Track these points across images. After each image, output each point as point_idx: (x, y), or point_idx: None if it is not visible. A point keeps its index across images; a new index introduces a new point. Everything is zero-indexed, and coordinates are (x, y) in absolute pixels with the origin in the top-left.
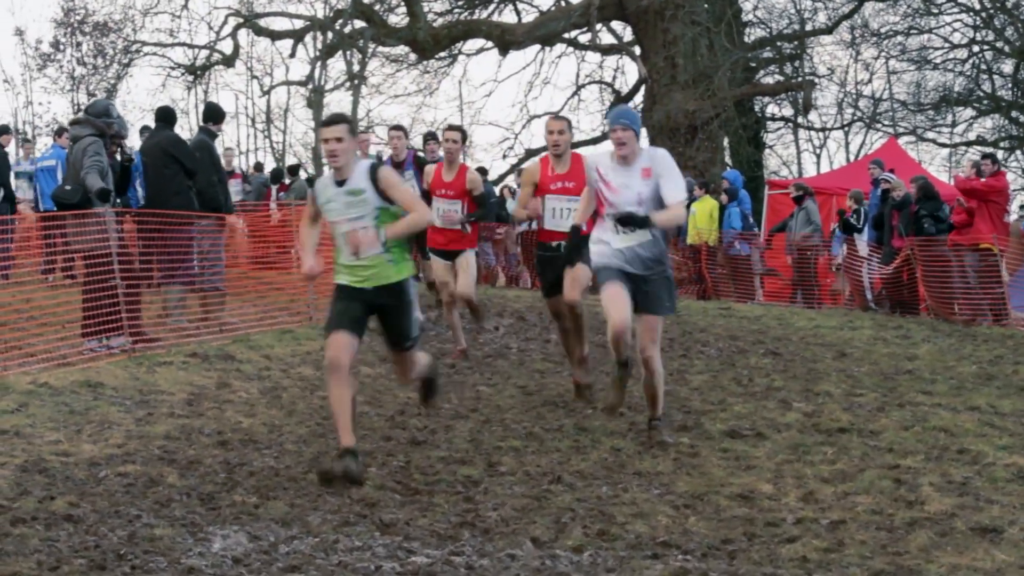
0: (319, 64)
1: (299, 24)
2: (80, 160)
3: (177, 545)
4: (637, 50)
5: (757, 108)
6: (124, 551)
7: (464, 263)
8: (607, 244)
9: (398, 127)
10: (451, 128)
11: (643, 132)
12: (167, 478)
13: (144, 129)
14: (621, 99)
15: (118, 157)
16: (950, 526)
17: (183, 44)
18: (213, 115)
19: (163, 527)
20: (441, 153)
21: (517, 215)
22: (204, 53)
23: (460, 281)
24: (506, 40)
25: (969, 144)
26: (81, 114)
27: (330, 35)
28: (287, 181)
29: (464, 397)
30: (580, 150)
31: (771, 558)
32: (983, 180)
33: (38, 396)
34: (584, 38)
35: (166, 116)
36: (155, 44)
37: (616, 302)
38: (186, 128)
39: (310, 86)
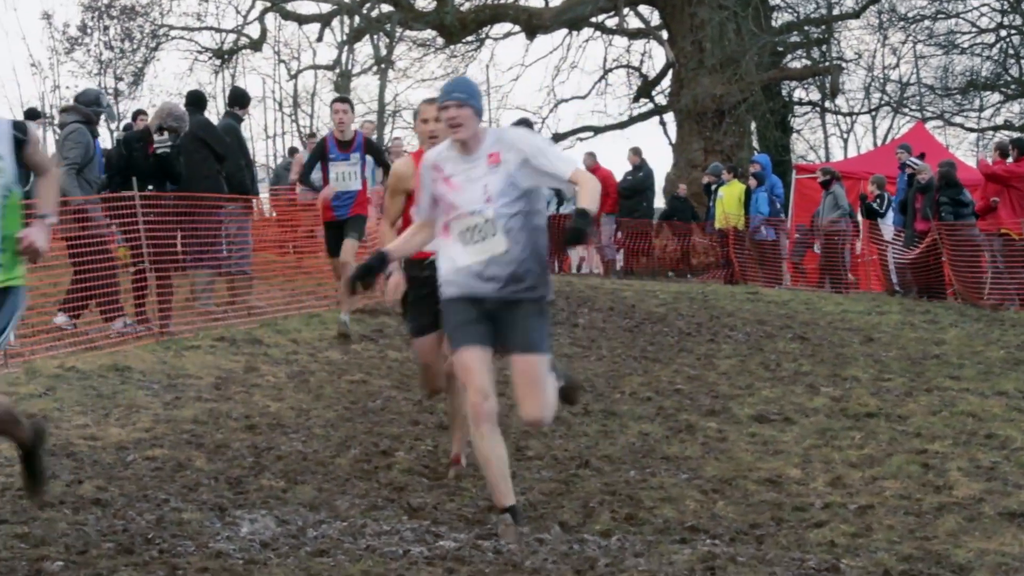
0: (346, 48)
1: (326, 8)
2: (62, 147)
3: (205, 529)
4: (664, 34)
5: (784, 92)
6: (152, 535)
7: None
8: (453, 261)
9: (343, 99)
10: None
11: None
12: (195, 462)
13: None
14: (649, 83)
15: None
16: (978, 511)
17: (210, 28)
18: (239, 100)
19: (191, 511)
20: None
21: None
22: (231, 37)
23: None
24: (533, 24)
25: (996, 129)
26: (71, 102)
27: (357, 19)
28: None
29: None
30: (606, 135)
31: (799, 543)
32: (1007, 165)
33: (66, 380)
34: (611, 22)
35: (196, 100)
36: (182, 28)
37: (474, 373)
38: (213, 112)
39: (337, 70)
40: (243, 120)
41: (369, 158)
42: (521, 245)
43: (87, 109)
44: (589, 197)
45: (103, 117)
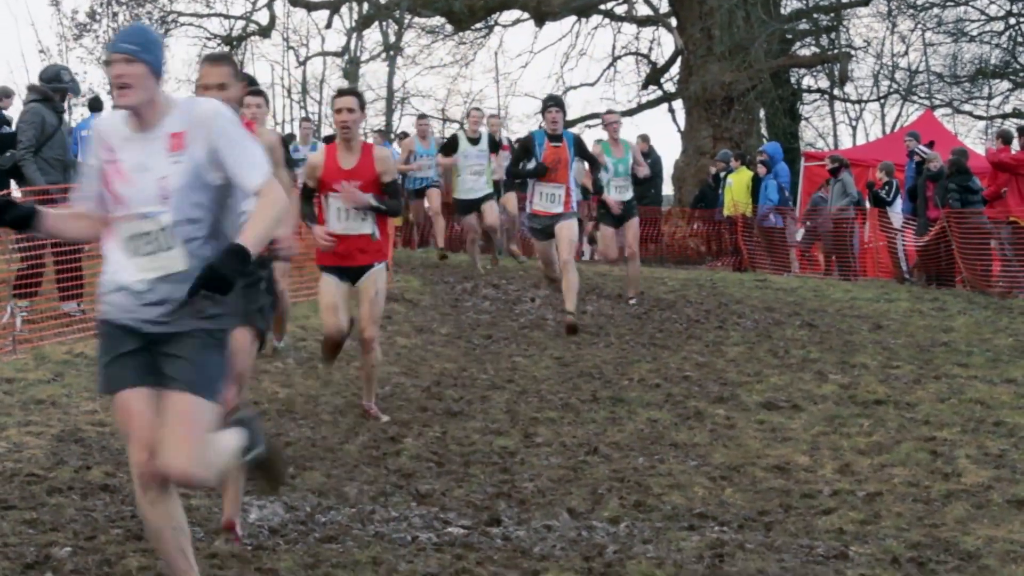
0: (355, 35)
1: None
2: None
3: (213, 515)
4: (673, 21)
5: (793, 80)
6: None
7: (369, 288)
8: (114, 274)
9: (257, 92)
10: (344, 93)
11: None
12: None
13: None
14: (657, 70)
15: None
16: (986, 498)
17: (219, 15)
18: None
19: (199, 497)
20: (483, 129)
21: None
22: (240, 23)
23: (364, 316)
24: (542, 11)
25: (1005, 116)
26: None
27: (366, 6)
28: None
29: (500, 368)
30: (625, 121)
31: (807, 530)
32: (1013, 153)
33: (74, 366)
34: (620, 9)
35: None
36: (191, 15)
37: (135, 423)
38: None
39: (346, 57)
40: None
41: None
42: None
43: (46, 86)
44: (259, 227)
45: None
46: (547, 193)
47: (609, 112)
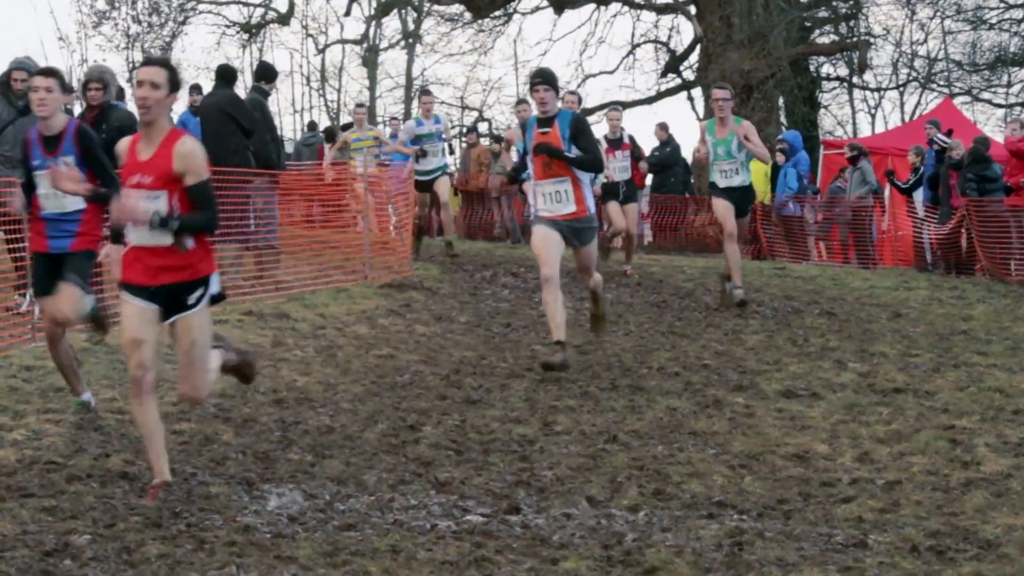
0: (374, 22)
1: None
2: None
3: (232, 503)
4: (692, 9)
5: (812, 68)
6: (179, 509)
7: (183, 337)
8: None
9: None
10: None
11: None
12: (222, 436)
13: (194, 88)
14: (676, 58)
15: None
16: (1006, 487)
17: (238, 2)
18: (266, 74)
19: (218, 485)
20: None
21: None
22: (259, 11)
23: (180, 372)
24: None
25: None
26: None
27: None
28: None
29: (519, 356)
30: (634, 110)
31: (826, 518)
32: None
33: (93, 353)
34: None
35: (226, 74)
36: (210, 2)
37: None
38: (240, 87)
39: (365, 45)
40: (270, 95)
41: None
42: None
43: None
44: None
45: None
46: (549, 192)
47: (614, 107)
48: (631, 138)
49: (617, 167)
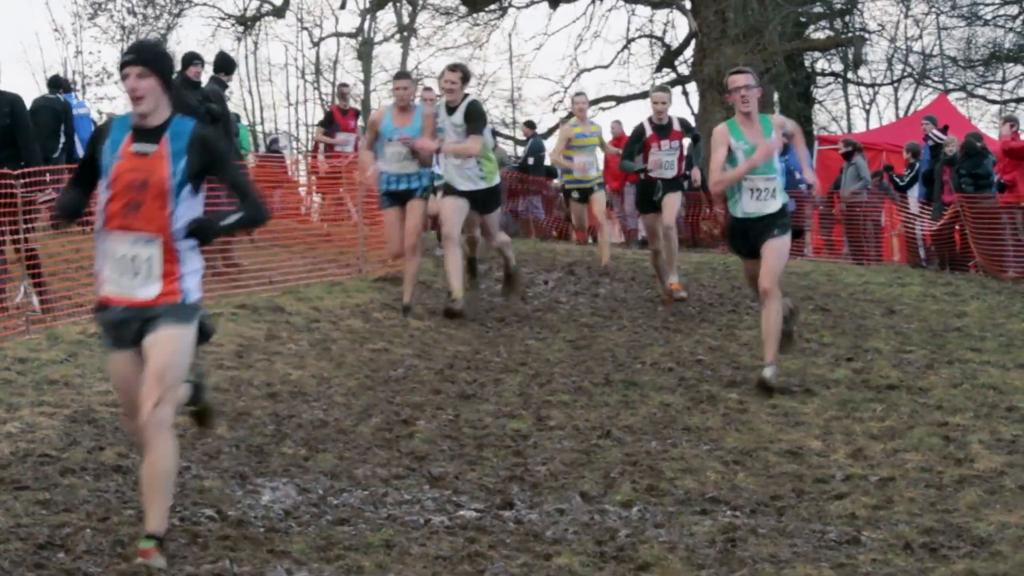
0: (369, 16)
1: None
2: None
3: (226, 497)
4: (687, 4)
5: (807, 63)
6: (173, 503)
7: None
8: None
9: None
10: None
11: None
12: (216, 429)
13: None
14: (671, 53)
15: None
16: (999, 484)
17: None
18: (224, 66)
19: (212, 478)
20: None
21: None
22: (254, 4)
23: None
24: None
25: (1019, 101)
26: None
27: None
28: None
29: (513, 351)
30: (629, 105)
31: (820, 514)
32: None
33: (87, 346)
34: None
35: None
36: None
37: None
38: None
39: (360, 38)
40: (227, 86)
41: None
42: None
43: None
44: None
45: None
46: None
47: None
48: (683, 123)
49: (663, 160)
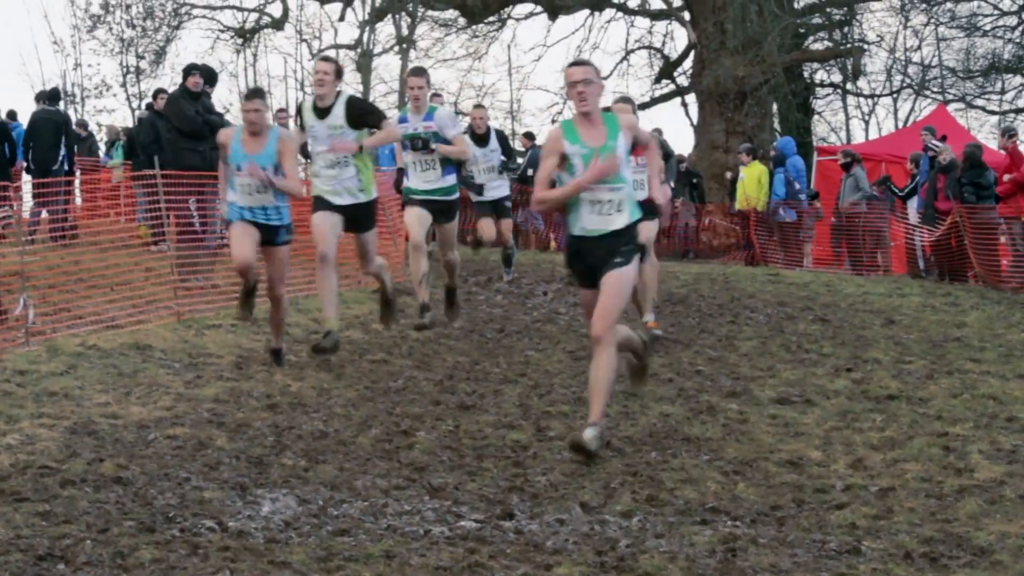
0: (368, 28)
1: None
2: None
3: (226, 508)
4: (686, 15)
5: (806, 74)
6: (173, 514)
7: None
8: None
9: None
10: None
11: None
12: (216, 441)
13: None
14: (670, 64)
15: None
16: (999, 494)
17: (232, 7)
18: (207, 78)
19: (212, 490)
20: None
21: None
22: (253, 16)
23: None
24: (555, 5)
25: (1018, 111)
26: None
27: None
28: None
29: (513, 362)
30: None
31: (820, 524)
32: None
33: (87, 358)
34: (633, 3)
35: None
36: (204, 7)
37: None
38: (235, 91)
39: (359, 50)
40: (210, 96)
41: None
42: None
43: None
44: None
45: None
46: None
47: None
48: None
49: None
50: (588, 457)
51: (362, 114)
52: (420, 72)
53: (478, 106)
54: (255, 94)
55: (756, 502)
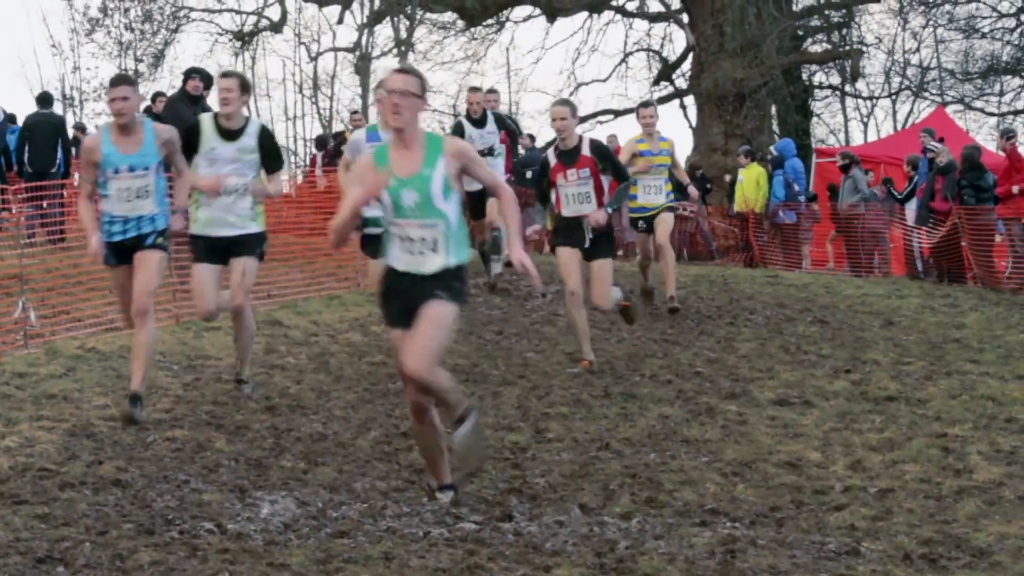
0: (366, 30)
1: None
2: None
3: (225, 510)
4: (685, 18)
5: (805, 76)
6: (172, 516)
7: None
8: None
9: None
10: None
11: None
12: (215, 443)
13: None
14: (669, 67)
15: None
16: (998, 495)
17: (231, 10)
18: (203, 81)
19: (211, 492)
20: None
21: None
22: (252, 19)
23: None
24: (553, 7)
25: (1017, 113)
26: None
27: (378, 1)
28: (331, 147)
29: (512, 364)
30: (628, 118)
31: (819, 526)
32: None
33: (86, 361)
34: (632, 5)
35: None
36: (203, 10)
37: None
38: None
39: (357, 53)
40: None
41: None
42: None
43: None
44: None
45: None
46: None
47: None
48: (595, 147)
49: (571, 193)
50: None
51: (271, 153)
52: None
53: (474, 88)
54: (121, 80)
55: (755, 503)
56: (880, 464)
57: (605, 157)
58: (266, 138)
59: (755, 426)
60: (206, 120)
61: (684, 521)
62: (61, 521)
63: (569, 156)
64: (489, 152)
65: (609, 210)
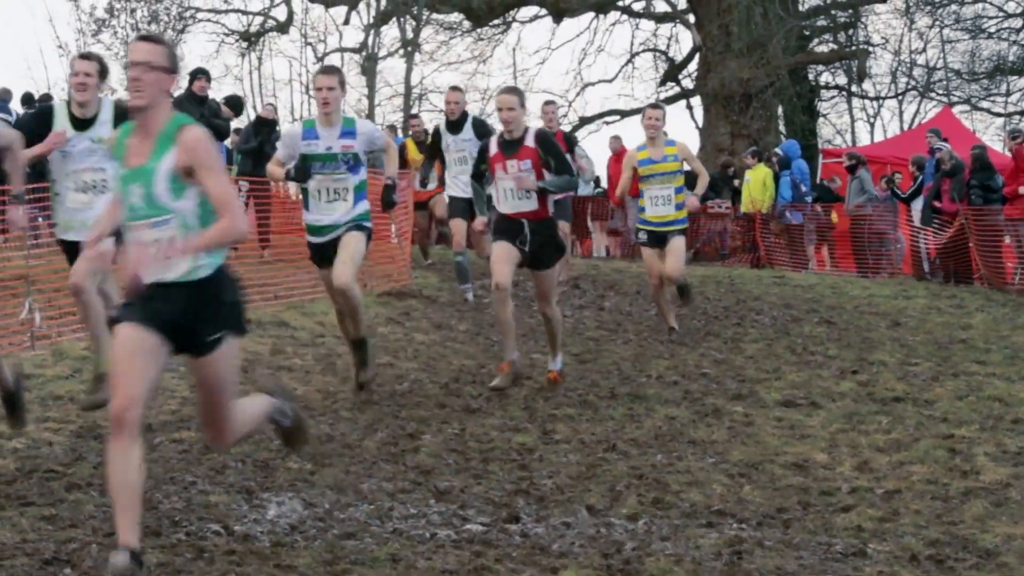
0: (373, 31)
1: None
2: None
3: (232, 512)
4: (691, 18)
5: (811, 77)
6: (179, 518)
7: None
8: None
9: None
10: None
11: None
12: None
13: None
14: (675, 67)
15: None
16: (1005, 496)
17: (237, 10)
18: (234, 105)
19: (218, 494)
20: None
21: None
22: (258, 19)
23: None
24: (560, 7)
25: (1023, 113)
26: None
27: (384, 2)
28: None
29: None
30: (635, 119)
31: (826, 527)
32: None
33: (92, 362)
34: (638, 6)
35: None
36: (209, 10)
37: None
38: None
39: (364, 53)
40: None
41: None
42: None
43: None
44: None
45: None
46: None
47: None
48: (539, 137)
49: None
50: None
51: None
52: (331, 71)
53: (454, 88)
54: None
55: (762, 504)
56: (887, 465)
57: (550, 148)
58: (121, 115)
59: (762, 427)
60: (58, 107)
61: (691, 522)
62: (68, 523)
63: (511, 146)
64: (463, 161)
65: (548, 188)
